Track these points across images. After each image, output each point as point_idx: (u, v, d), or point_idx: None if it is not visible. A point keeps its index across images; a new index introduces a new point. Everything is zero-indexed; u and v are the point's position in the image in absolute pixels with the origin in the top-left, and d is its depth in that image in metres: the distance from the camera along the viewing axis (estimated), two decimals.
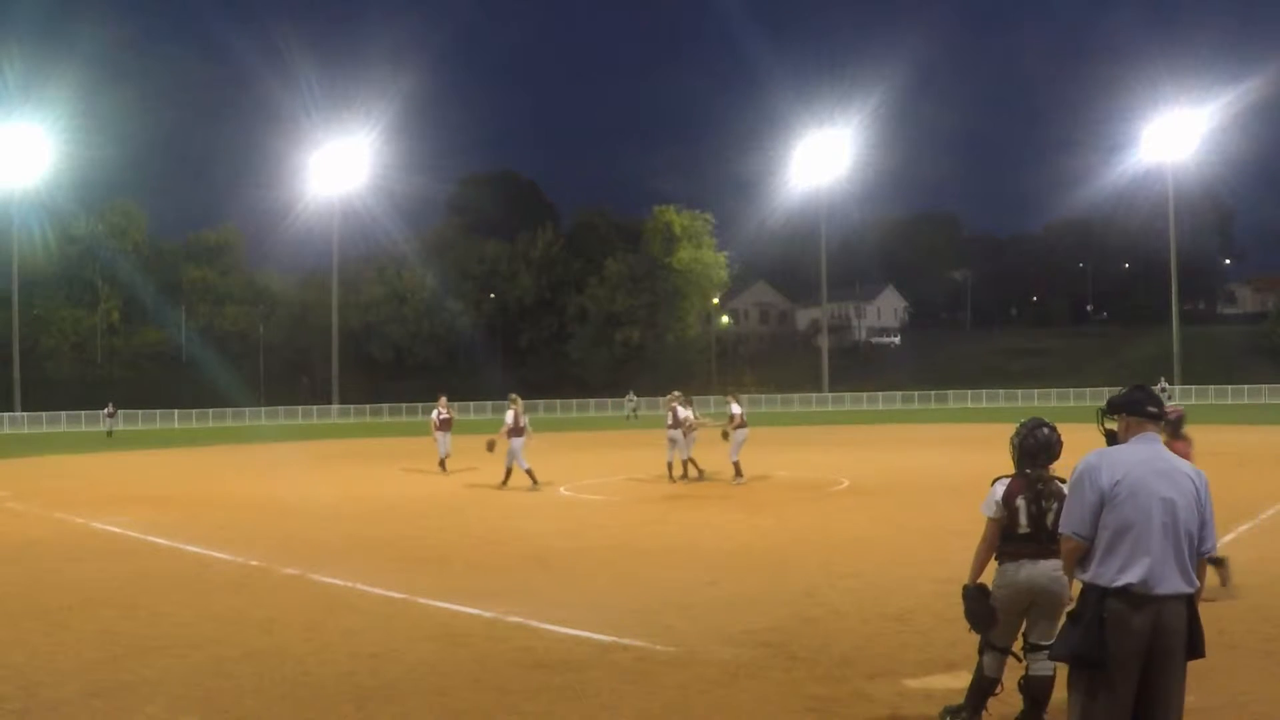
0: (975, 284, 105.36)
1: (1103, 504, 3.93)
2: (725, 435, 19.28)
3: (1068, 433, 5.57)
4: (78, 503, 18.03)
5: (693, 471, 19.53)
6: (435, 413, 23.24)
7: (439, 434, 22.81)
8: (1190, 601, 3.93)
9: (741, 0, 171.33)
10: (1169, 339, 67.34)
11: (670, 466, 19.65)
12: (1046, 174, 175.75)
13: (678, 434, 19.29)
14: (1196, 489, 3.99)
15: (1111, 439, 4.35)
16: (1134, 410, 4.23)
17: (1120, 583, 3.83)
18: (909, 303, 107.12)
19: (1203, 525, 3.99)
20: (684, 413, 19.45)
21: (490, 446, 19.50)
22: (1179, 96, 64.05)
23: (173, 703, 6.36)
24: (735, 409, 19.40)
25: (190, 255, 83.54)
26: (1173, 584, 3.85)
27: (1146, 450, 4.08)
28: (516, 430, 18.78)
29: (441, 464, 22.46)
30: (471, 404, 66.95)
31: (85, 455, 33.40)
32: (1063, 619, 4.21)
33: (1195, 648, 3.93)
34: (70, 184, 68.70)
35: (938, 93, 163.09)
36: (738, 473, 18.83)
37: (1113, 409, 4.36)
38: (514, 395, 19.54)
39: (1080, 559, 4.01)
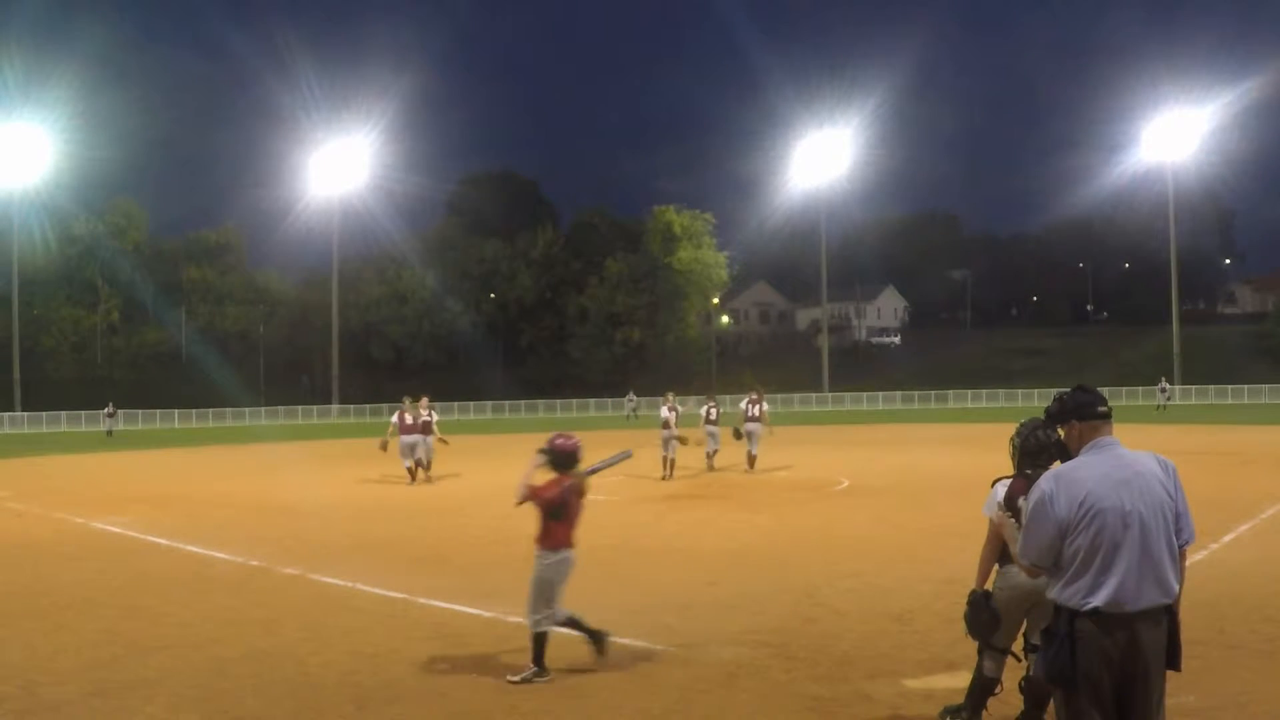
0: (975, 284, 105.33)
1: (1064, 535, 3.77)
2: (738, 434, 21.20)
3: None
4: (78, 503, 18.03)
5: (669, 472, 20.33)
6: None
7: (420, 437, 21.21)
8: (1170, 611, 3.81)
9: (741, 0, 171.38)
10: (1169, 339, 67.34)
11: (711, 457, 21.70)
12: (1046, 174, 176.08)
13: (715, 429, 21.60)
14: (1165, 487, 3.84)
15: (1061, 450, 4.08)
16: (1085, 414, 3.98)
17: (1089, 606, 3.72)
18: (909, 303, 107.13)
19: (1178, 518, 3.84)
20: (714, 412, 21.85)
21: (383, 446, 20.82)
22: (1179, 96, 64.09)
23: (173, 703, 6.37)
24: (764, 405, 21.54)
25: (190, 255, 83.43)
26: (1148, 598, 3.73)
27: (1104, 461, 3.87)
28: (408, 429, 20.37)
29: (423, 468, 21.06)
30: (472, 404, 67.04)
31: (85, 455, 33.40)
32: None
33: (1172, 660, 3.82)
34: (70, 184, 68.65)
35: (938, 93, 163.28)
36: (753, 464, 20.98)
37: (1057, 419, 4.10)
38: (407, 397, 21.58)
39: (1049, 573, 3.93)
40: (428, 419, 20.75)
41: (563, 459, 7.06)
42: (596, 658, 6.94)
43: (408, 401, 21.32)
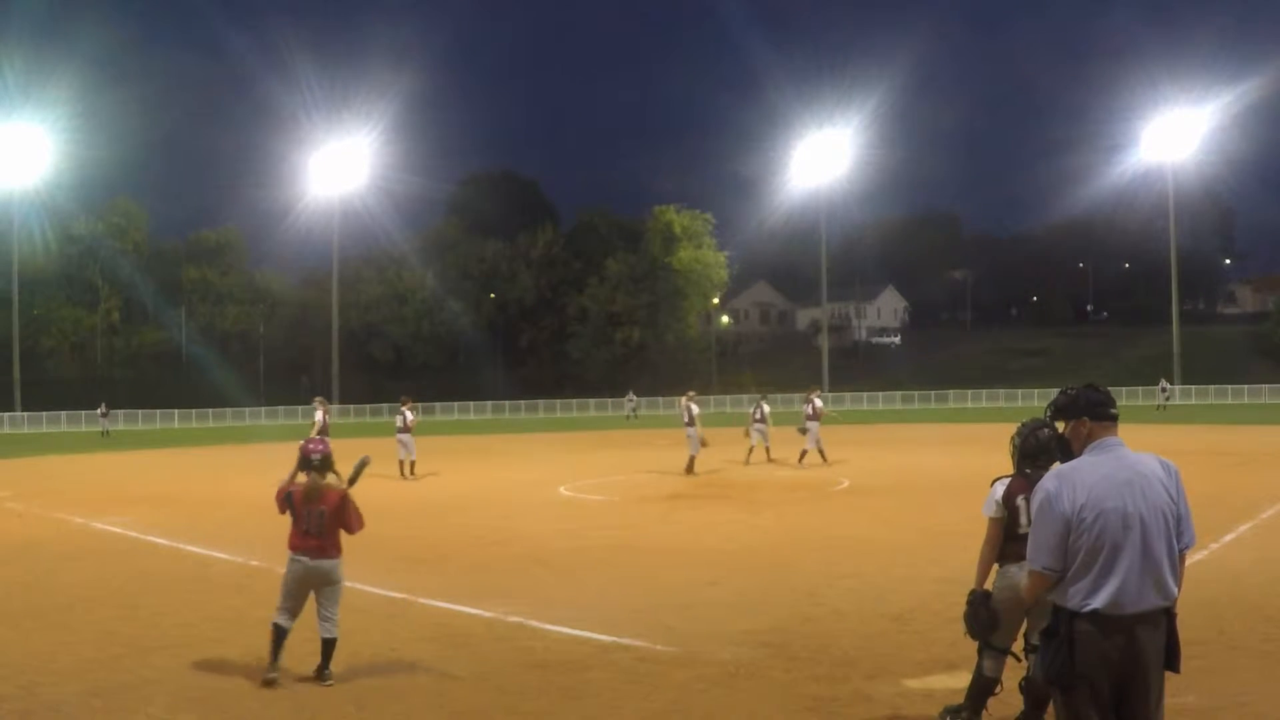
0: (975, 284, 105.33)
1: (1069, 532, 3.76)
2: (802, 430, 22.72)
3: None
4: (78, 503, 18.03)
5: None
6: (397, 416, 22.22)
7: (400, 437, 21.70)
8: (1169, 614, 3.80)
9: (741, 0, 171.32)
10: (1169, 339, 67.29)
11: (767, 451, 23.25)
12: (1046, 174, 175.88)
13: (764, 427, 23.30)
14: (1168, 490, 3.82)
15: (1064, 448, 4.08)
16: (1098, 414, 3.96)
17: (1089, 608, 3.71)
18: (909, 303, 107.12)
19: (1179, 521, 3.83)
20: (767, 409, 23.89)
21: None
22: (1179, 96, 63.95)
23: (173, 703, 6.37)
24: (817, 403, 23.13)
25: (190, 255, 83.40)
26: (1147, 601, 3.72)
27: (1107, 461, 3.85)
28: (324, 430, 20.27)
29: (409, 467, 21.48)
30: (472, 404, 67.03)
31: (85, 455, 33.39)
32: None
33: (1171, 662, 3.81)
34: (70, 184, 68.54)
35: (938, 93, 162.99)
36: (803, 458, 22.53)
37: (1066, 412, 4.06)
38: (320, 398, 21.45)
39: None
40: (403, 419, 21.88)
41: (302, 462, 7.17)
42: (267, 676, 6.74)
43: (318, 401, 21.28)
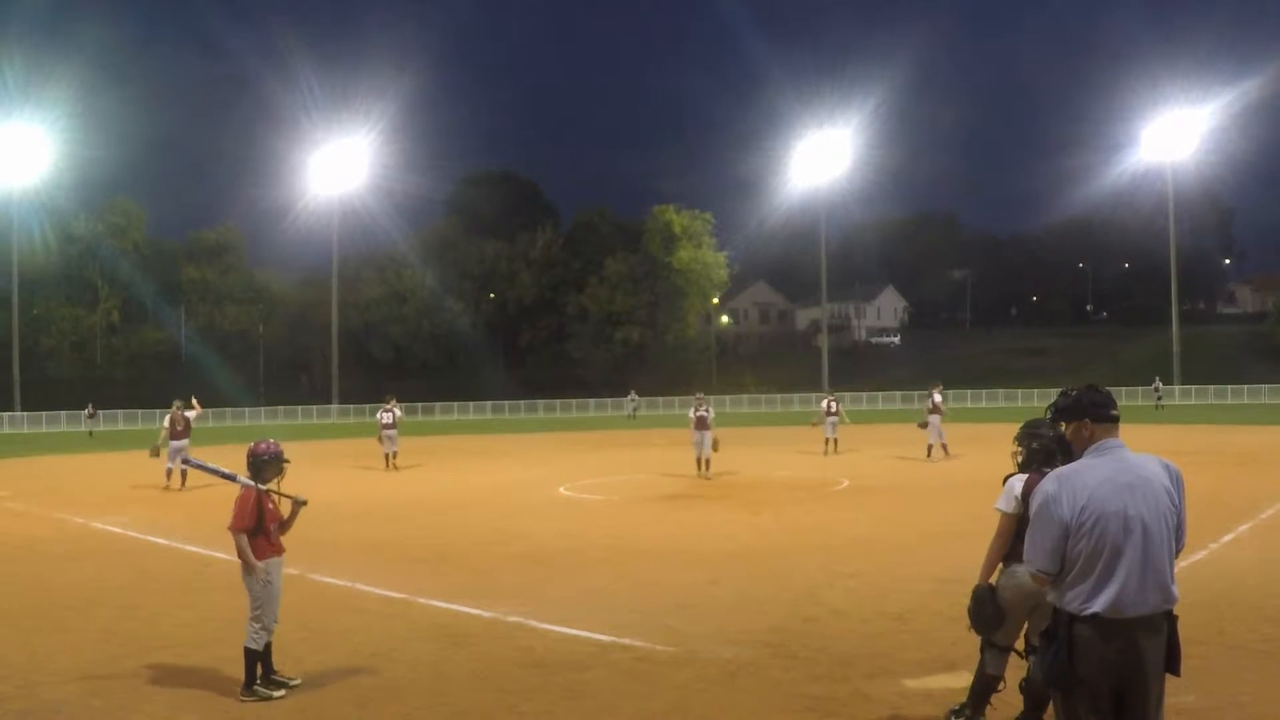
0: (975, 284, 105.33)
1: (1067, 536, 3.74)
2: (923, 425, 24.39)
3: None
4: (78, 503, 18.04)
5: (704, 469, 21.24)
6: (381, 413, 24.67)
7: (386, 433, 24.20)
8: (1169, 618, 3.79)
9: (741, 0, 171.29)
10: (1169, 339, 67.30)
11: (832, 443, 25.74)
12: (1046, 174, 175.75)
13: (835, 419, 25.96)
14: (1171, 494, 3.81)
15: (1064, 447, 4.05)
16: (1100, 416, 3.92)
17: (1088, 611, 3.69)
18: (909, 303, 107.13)
19: (1178, 527, 3.83)
20: (834, 405, 26.29)
21: (154, 453, 20.61)
22: (1179, 96, 63.99)
23: (173, 703, 6.38)
24: (936, 398, 24.56)
25: (190, 255, 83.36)
26: (1148, 604, 3.71)
27: (1108, 464, 3.82)
28: (178, 435, 20.55)
29: (392, 460, 24.03)
30: (471, 404, 67.04)
31: (85, 455, 33.37)
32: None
33: (1172, 665, 3.80)
34: (70, 184, 68.54)
35: (938, 93, 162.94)
36: (930, 453, 23.81)
37: (1068, 414, 4.01)
38: (178, 400, 21.62)
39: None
40: (392, 416, 24.17)
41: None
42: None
43: (177, 404, 21.25)
